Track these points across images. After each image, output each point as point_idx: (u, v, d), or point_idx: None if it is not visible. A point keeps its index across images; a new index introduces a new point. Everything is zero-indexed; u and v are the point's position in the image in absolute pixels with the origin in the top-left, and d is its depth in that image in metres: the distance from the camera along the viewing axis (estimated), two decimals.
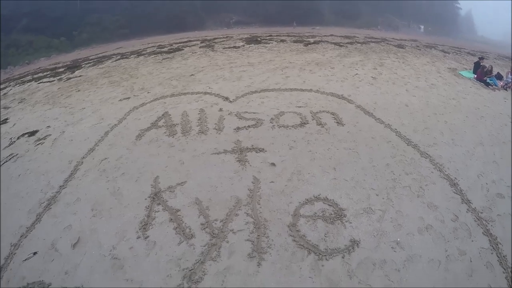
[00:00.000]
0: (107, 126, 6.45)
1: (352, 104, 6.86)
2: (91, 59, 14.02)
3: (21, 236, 3.96)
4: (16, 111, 8.34)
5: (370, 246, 3.54)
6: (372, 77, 8.81)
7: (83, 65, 13.05)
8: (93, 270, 3.44)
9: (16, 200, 4.64)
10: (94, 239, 3.81)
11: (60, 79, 11.14)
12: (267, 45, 12.89)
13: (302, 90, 7.56)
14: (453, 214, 4.13)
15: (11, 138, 6.57)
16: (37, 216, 4.26)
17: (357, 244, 3.54)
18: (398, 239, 3.65)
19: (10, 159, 5.78)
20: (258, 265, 3.30)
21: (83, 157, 5.47)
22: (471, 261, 3.55)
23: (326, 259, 3.35)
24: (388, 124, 6.08)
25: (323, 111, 6.41)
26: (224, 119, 6.20)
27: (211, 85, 8.17)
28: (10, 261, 3.66)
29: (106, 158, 5.33)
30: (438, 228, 3.88)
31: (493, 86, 9.27)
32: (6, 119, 7.76)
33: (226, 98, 7.22)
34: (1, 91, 11.06)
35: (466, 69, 11.13)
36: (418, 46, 14.84)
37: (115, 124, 6.49)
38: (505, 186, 4.80)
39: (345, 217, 3.86)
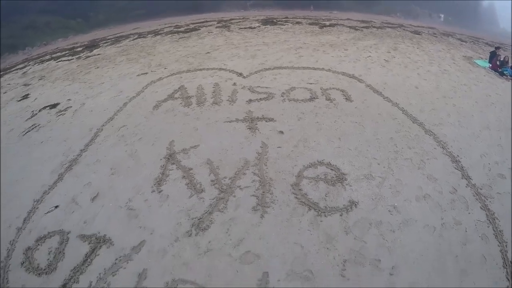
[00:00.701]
0: (126, 98, 6.74)
1: (362, 83, 6.98)
2: (109, 39, 14.29)
3: (43, 193, 4.32)
4: (36, 87, 8.64)
5: (368, 208, 3.77)
6: (384, 59, 8.85)
7: (100, 44, 13.30)
8: (110, 219, 3.78)
9: (39, 163, 4.99)
10: (112, 194, 4.15)
11: (78, 58, 11.41)
12: (282, 26, 12.93)
13: (314, 68, 7.70)
14: (452, 187, 4.27)
15: (32, 111, 6.89)
16: (59, 175, 4.61)
17: (356, 205, 3.78)
18: (396, 204, 3.87)
19: (32, 129, 6.13)
20: (261, 217, 3.59)
21: (103, 125, 5.79)
22: (466, 231, 3.70)
23: (325, 216, 3.62)
24: (396, 103, 6.19)
25: (333, 88, 6.57)
26: (237, 92, 6.44)
27: (226, 62, 8.38)
28: (33, 214, 4.02)
29: (124, 126, 5.65)
30: (436, 198, 4.05)
31: (508, 76, 9.16)
32: (27, 94, 8.10)
33: (240, 74, 7.43)
34: (21, 70, 11.36)
35: (482, 58, 10.94)
36: (435, 34, 14.59)
37: (133, 96, 6.78)
38: (507, 168, 4.86)
39: (345, 180, 4.10)
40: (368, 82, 7.03)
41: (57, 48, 15.55)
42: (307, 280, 3.02)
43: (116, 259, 3.33)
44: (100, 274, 3.22)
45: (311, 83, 6.78)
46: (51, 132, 5.90)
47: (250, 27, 12.92)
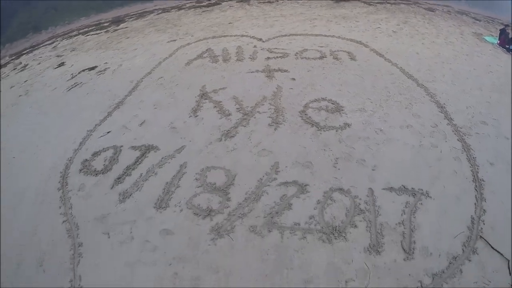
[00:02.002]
0: (159, 59, 7.80)
1: (367, 48, 7.87)
2: (133, 15, 15.07)
3: (95, 125, 5.41)
4: (70, 57, 9.27)
5: (359, 128, 4.81)
6: (393, 31, 9.61)
7: (126, 19, 13.98)
8: (156, 135, 4.94)
9: (88, 107, 6.00)
10: (157, 120, 5.30)
11: (107, 31, 12.10)
12: (299, 0, 13.72)
13: (325, 35, 8.62)
14: (433, 123, 5.06)
15: (72, 74, 7.73)
16: (108, 113, 5.70)
17: (349, 126, 4.84)
18: (382, 128, 4.87)
19: (74, 86, 7.03)
20: (274, 130, 4.74)
21: (142, 78, 6.88)
22: (441, 152, 4.46)
23: (324, 131, 4.71)
24: (395, 63, 7.04)
25: (340, 51, 7.51)
26: (258, 52, 7.48)
27: (247, 30, 9.39)
28: (88, 139, 5.10)
29: (161, 77, 6.75)
30: (417, 128, 4.89)
31: None
32: (63, 62, 8.83)
33: (260, 39, 8.45)
34: (50, 45, 11.73)
35: (492, 35, 11.18)
36: (449, 11, 14.97)
37: (166, 57, 7.84)
38: (491, 118, 5.38)
39: (343, 111, 5.16)
40: (372, 47, 7.91)
41: (81, 25, 16.41)
42: (307, 168, 4.13)
43: (162, 158, 4.49)
44: (149, 168, 4.37)
45: (322, 46, 7.73)
46: (94, 86, 6.86)
47: (269, 1, 13.77)
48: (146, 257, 3.33)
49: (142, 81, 6.80)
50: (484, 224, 3.58)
